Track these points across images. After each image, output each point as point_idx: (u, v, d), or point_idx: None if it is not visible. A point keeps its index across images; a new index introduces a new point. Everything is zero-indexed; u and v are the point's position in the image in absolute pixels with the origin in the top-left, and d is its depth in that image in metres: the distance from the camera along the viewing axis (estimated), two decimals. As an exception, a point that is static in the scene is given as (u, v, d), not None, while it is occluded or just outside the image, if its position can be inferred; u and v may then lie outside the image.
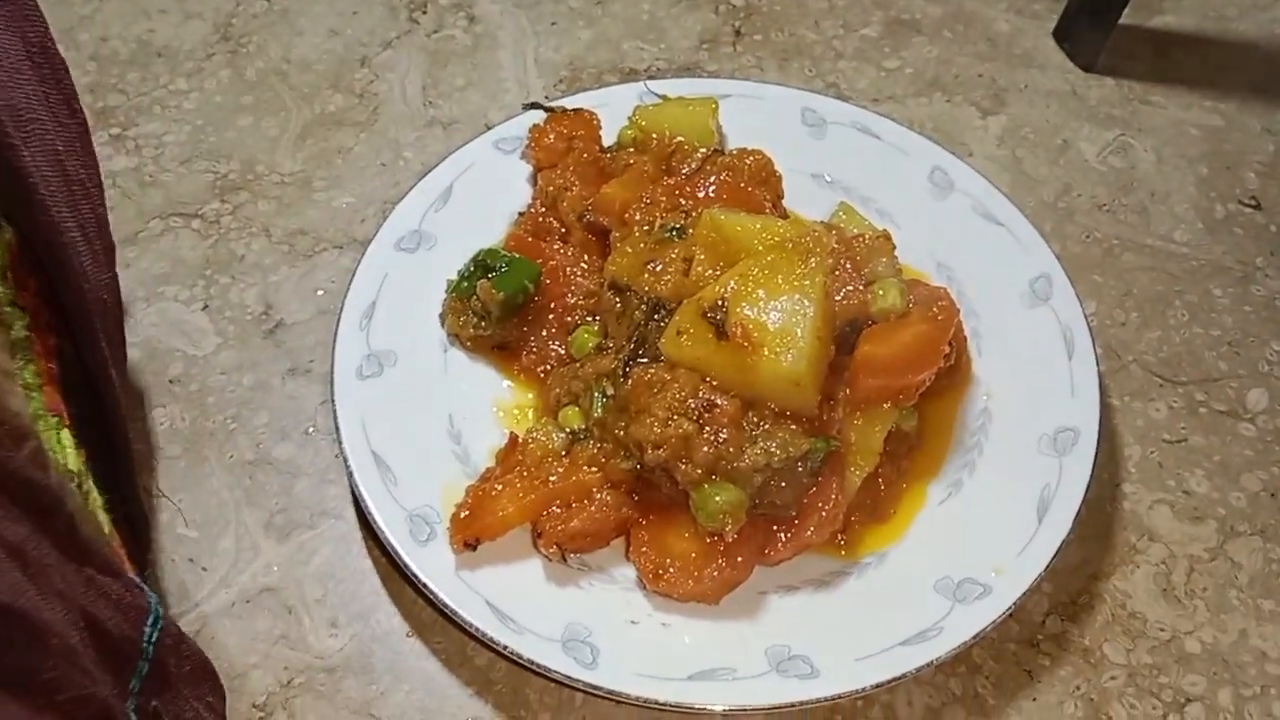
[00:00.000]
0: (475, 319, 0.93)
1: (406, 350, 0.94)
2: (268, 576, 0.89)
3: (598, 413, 0.84)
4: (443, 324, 0.96)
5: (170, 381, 1.00)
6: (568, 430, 0.85)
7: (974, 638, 0.80)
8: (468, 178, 1.05)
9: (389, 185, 1.13)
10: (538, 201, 1.00)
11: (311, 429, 0.97)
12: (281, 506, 0.93)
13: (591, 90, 1.12)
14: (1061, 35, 1.28)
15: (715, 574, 0.80)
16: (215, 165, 1.15)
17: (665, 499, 0.83)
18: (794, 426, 0.80)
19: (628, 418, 0.81)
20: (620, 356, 0.85)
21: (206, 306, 1.05)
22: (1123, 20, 1.23)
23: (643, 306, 0.86)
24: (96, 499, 0.71)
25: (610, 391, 0.84)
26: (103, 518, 0.71)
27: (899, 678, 0.79)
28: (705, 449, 0.78)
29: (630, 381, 0.82)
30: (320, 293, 1.05)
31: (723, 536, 0.80)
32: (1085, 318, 0.96)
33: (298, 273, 1.07)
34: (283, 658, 0.85)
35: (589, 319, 0.92)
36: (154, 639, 0.65)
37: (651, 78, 1.21)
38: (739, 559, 0.80)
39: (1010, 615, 0.84)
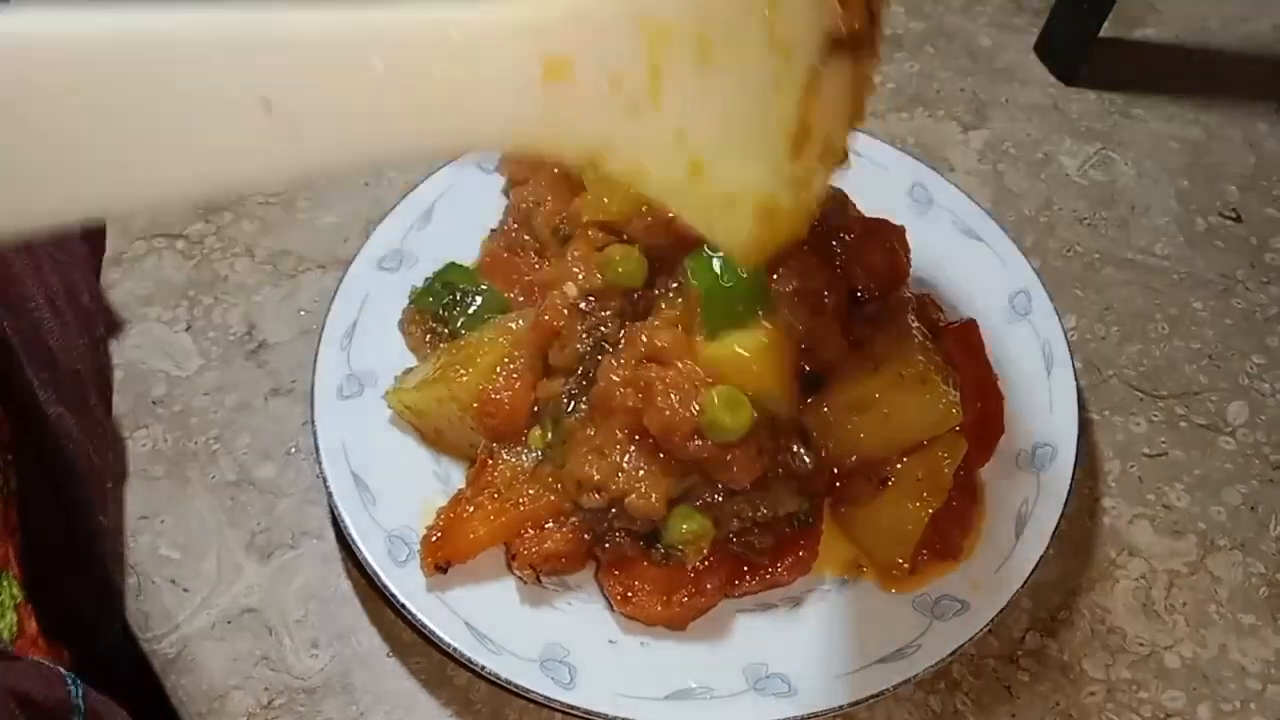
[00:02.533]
0: (429, 332, 0.94)
1: (387, 370, 0.94)
2: (249, 597, 0.89)
3: (546, 438, 0.84)
4: (402, 332, 0.96)
5: (153, 402, 1.00)
6: (535, 451, 0.85)
7: (952, 654, 0.80)
8: (448, 197, 1.05)
9: (372, 204, 1.13)
10: (510, 218, 1.00)
11: (294, 449, 0.97)
12: (264, 527, 0.93)
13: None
14: (1043, 49, 1.29)
15: (682, 600, 0.80)
16: (200, 186, 1.16)
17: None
18: (793, 486, 0.81)
19: (565, 456, 0.81)
20: (566, 386, 0.85)
21: (190, 327, 1.05)
22: (1104, 33, 1.24)
23: (585, 337, 0.85)
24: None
25: (557, 419, 0.84)
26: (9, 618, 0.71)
27: (877, 695, 0.79)
28: (642, 500, 0.79)
29: (572, 418, 0.82)
30: (303, 313, 1.06)
31: (685, 566, 0.80)
32: (1064, 332, 0.97)
33: (280, 293, 1.07)
34: (264, 679, 0.86)
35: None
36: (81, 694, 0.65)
37: (634, 95, 1.21)
38: (707, 587, 0.81)
39: (989, 631, 0.84)
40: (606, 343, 0.83)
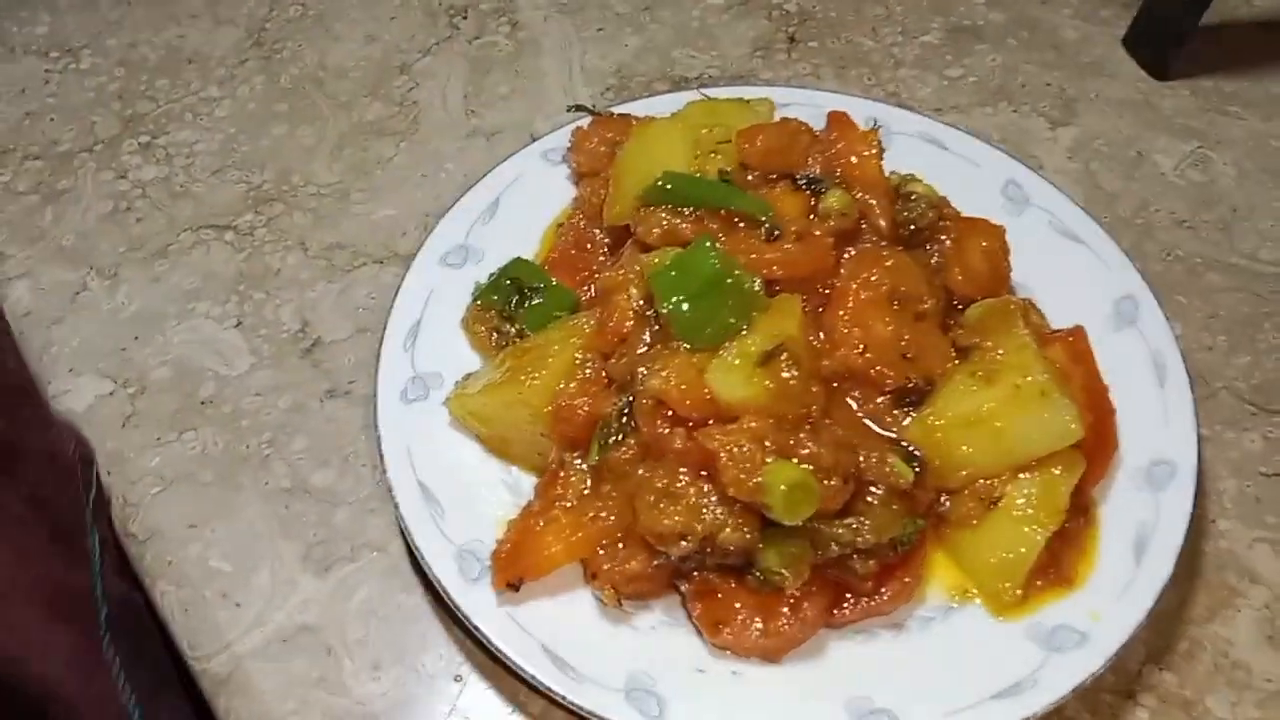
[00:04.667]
0: (495, 330, 0.87)
1: (453, 372, 0.88)
2: (305, 614, 0.83)
3: (594, 458, 0.78)
4: (465, 331, 0.90)
5: (202, 403, 0.94)
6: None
7: (1073, 690, 0.74)
8: (514, 189, 0.99)
9: (431, 197, 1.07)
10: (578, 211, 0.94)
11: (352, 455, 0.91)
12: (320, 538, 0.87)
13: (642, 99, 1.07)
14: (1132, 42, 1.22)
15: (781, 629, 0.74)
16: (248, 175, 1.10)
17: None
18: (895, 506, 0.75)
19: (634, 504, 0.75)
20: (616, 406, 0.78)
21: (240, 324, 0.99)
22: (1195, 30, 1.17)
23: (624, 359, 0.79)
24: None
25: (610, 434, 0.78)
26: None
27: (992, 734, 0.72)
28: (735, 532, 0.73)
29: (623, 452, 0.77)
30: (360, 310, 1.00)
31: (783, 592, 0.73)
32: (1176, 341, 0.90)
33: (336, 288, 1.02)
34: (321, 703, 0.80)
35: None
36: None
37: (704, 86, 1.15)
38: (806, 614, 0.74)
39: (1104, 664, 0.77)
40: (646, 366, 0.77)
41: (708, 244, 0.77)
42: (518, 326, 0.89)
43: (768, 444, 0.72)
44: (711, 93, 1.05)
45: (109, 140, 1.14)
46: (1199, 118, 1.17)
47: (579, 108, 1.02)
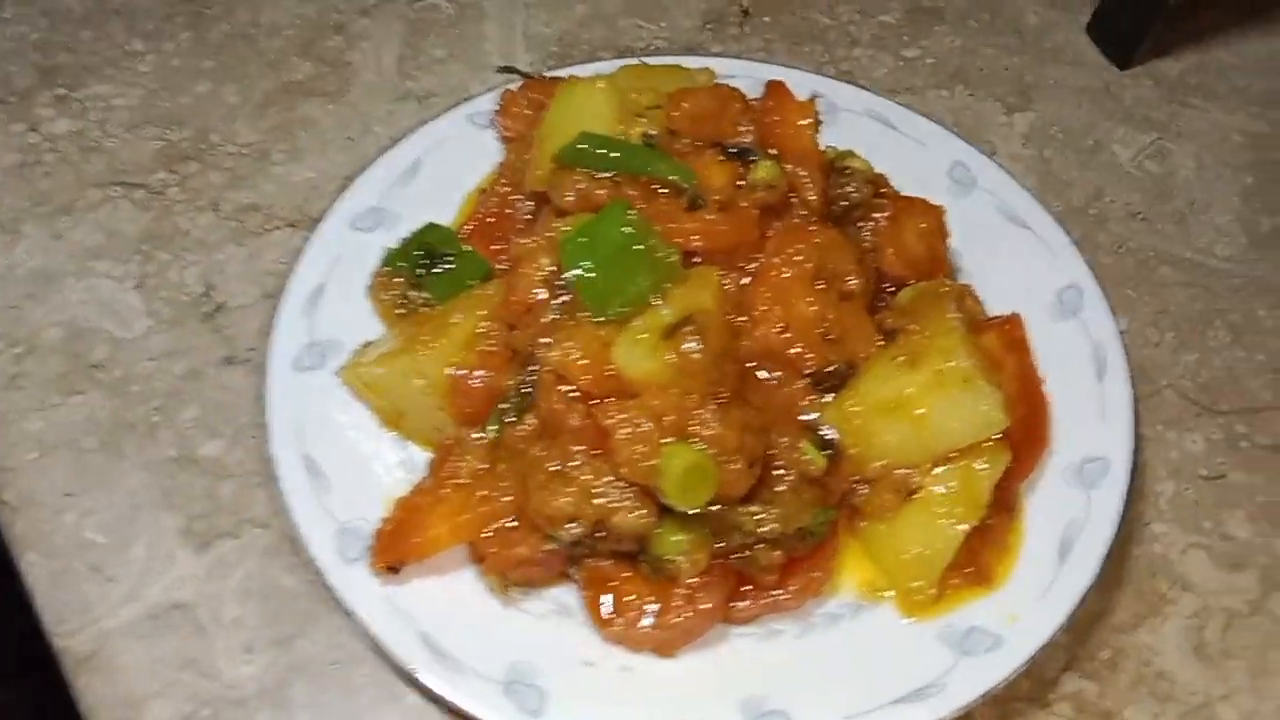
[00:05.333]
0: (401, 298, 0.83)
1: (355, 341, 0.83)
2: (180, 591, 0.79)
3: (494, 433, 0.73)
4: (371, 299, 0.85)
5: (92, 366, 0.89)
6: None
7: (980, 697, 0.69)
8: (437, 153, 0.94)
9: (355, 160, 1.02)
10: (502, 176, 0.89)
11: (245, 426, 0.86)
12: (203, 512, 0.82)
13: (578, 65, 1.02)
14: (1095, 30, 1.17)
15: (673, 621, 0.69)
16: (166, 132, 1.05)
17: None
18: (805, 494, 0.70)
19: (523, 486, 0.70)
20: (517, 380, 0.74)
21: (141, 285, 0.94)
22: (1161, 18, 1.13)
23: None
24: None
25: (508, 411, 0.73)
26: None
27: (892, 741, 0.68)
28: (629, 515, 0.68)
29: (522, 429, 0.72)
30: (268, 275, 0.95)
31: (677, 581, 0.69)
32: (1119, 335, 0.86)
33: (245, 251, 0.97)
34: (188, 686, 0.75)
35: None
36: None
37: (649, 56, 1.10)
38: (701, 606, 0.69)
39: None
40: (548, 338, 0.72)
41: (620, 209, 0.72)
42: (425, 295, 0.84)
43: (667, 423, 0.67)
44: (655, 62, 1.00)
45: (24, 92, 1.09)
46: (1160, 108, 1.12)
47: (508, 69, 0.97)
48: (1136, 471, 0.86)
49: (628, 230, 0.72)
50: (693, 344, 0.68)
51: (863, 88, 1.03)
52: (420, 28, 1.15)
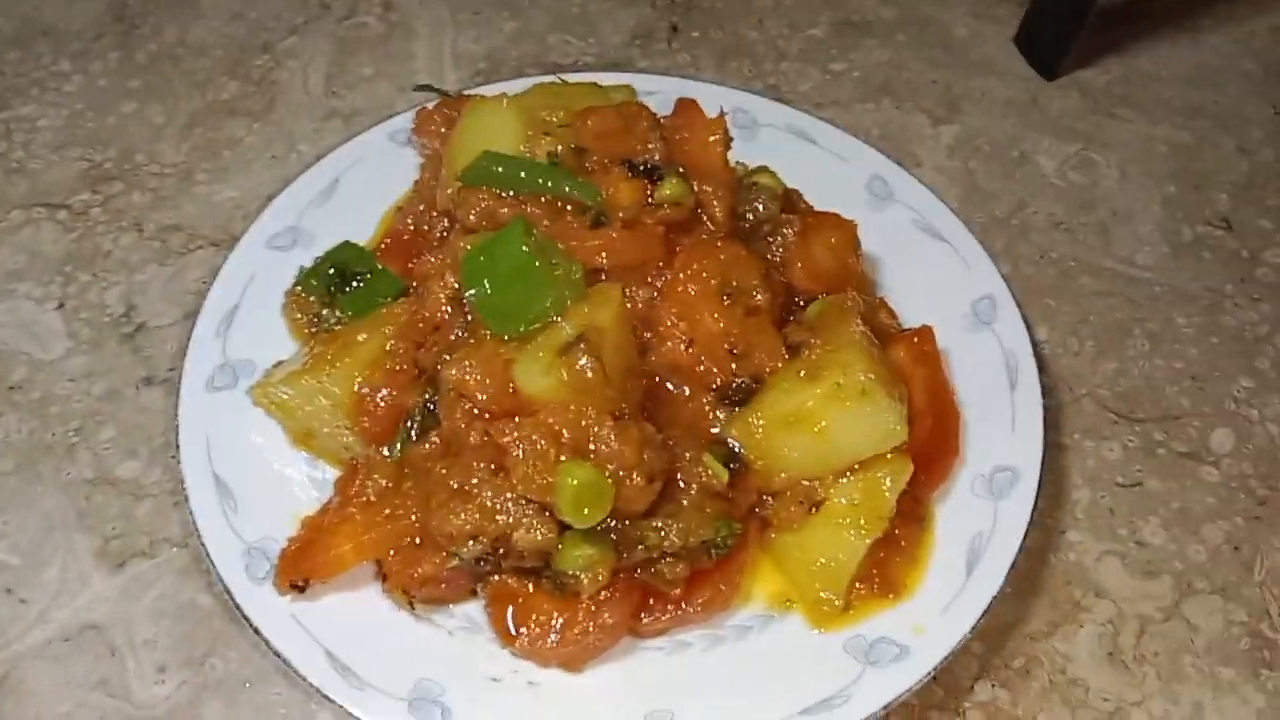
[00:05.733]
0: (314, 317, 0.83)
1: (268, 360, 0.83)
2: (93, 612, 0.78)
3: (397, 451, 0.73)
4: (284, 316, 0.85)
5: (10, 388, 0.89)
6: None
7: (884, 708, 0.70)
8: (356, 171, 0.94)
9: (278, 179, 1.02)
10: (417, 195, 0.89)
11: (163, 446, 0.86)
12: (119, 532, 0.82)
13: (500, 83, 1.02)
14: (1023, 41, 1.19)
15: (578, 637, 0.69)
16: (90, 153, 1.05)
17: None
18: (708, 508, 0.70)
19: (426, 504, 0.70)
20: (422, 398, 0.74)
21: (62, 306, 0.94)
22: (1089, 28, 1.14)
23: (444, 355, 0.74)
24: None
25: (411, 429, 0.74)
26: None
27: (795, 753, 0.68)
28: (529, 532, 0.68)
29: (426, 447, 0.72)
30: (190, 294, 0.95)
31: (580, 596, 0.69)
32: (1033, 344, 0.86)
33: (167, 272, 0.97)
34: (100, 707, 0.74)
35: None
36: None
37: (575, 72, 1.10)
38: (606, 621, 0.69)
39: (933, 679, 0.73)
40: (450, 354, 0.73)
41: (518, 227, 0.73)
42: (339, 314, 0.84)
43: (565, 440, 0.67)
44: (575, 79, 1.00)
45: (-50, 114, 1.08)
46: (1086, 119, 1.14)
47: (425, 87, 0.98)
48: (1053, 480, 0.87)
49: (525, 249, 0.72)
50: (586, 361, 0.68)
51: (785, 102, 1.04)
52: (349, 46, 1.15)
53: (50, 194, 1.02)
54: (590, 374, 0.67)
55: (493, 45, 1.16)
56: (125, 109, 1.09)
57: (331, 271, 0.85)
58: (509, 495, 0.68)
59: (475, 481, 0.69)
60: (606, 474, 0.67)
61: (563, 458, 0.67)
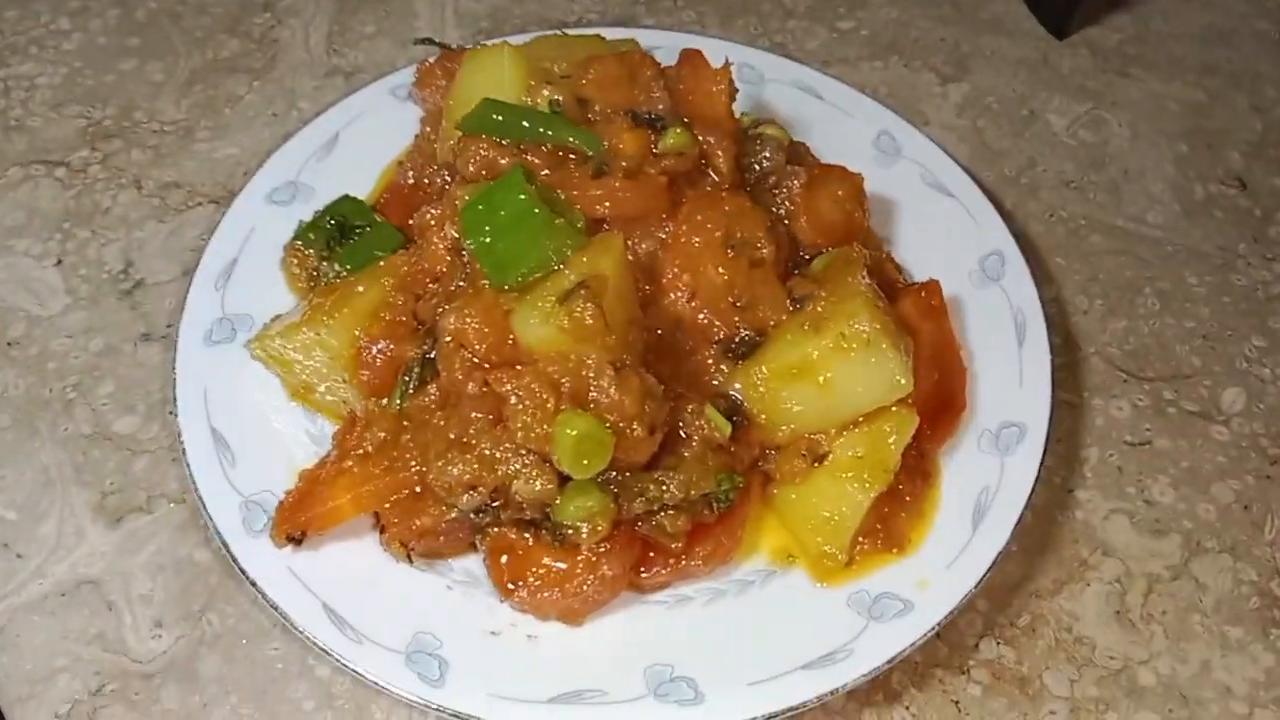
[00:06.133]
0: (313, 270, 0.82)
1: (266, 315, 0.82)
2: (90, 566, 0.78)
3: (397, 403, 0.72)
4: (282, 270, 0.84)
5: (9, 344, 0.88)
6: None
7: (888, 662, 0.69)
8: (357, 126, 0.93)
9: (279, 137, 1.00)
10: (417, 149, 0.88)
11: (161, 401, 0.85)
12: (116, 487, 0.81)
13: (502, 38, 1.00)
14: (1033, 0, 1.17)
15: (578, 589, 0.68)
16: (90, 110, 1.04)
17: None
18: (709, 461, 0.69)
19: (425, 456, 0.69)
20: (421, 350, 0.73)
21: (60, 262, 0.93)
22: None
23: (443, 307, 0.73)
24: None
25: (410, 381, 0.73)
26: None
27: (795, 707, 0.67)
28: (529, 482, 0.67)
29: (425, 399, 0.71)
30: (189, 251, 0.94)
31: (579, 548, 0.68)
32: (1041, 301, 0.85)
33: (166, 229, 0.96)
34: (96, 660, 0.74)
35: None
36: None
37: (580, 29, 1.09)
38: (605, 574, 0.68)
39: (936, 636, 0.72)
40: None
41: (516, 176, 0.72)
42: (337, 268, 0.83)
43: (564, 389, 0.66)
44: (577, 34, 0.99)
45: (-52, 72, 1.07)
46: (1097, 78, 1.12)
47: (426, 41, 0.96)
48: (1062, 438, 0.86)
49: (524, 197, 0.71)
50: (586, 307, 0.67)
51: (793, 59, 1.02)
52: (350, 3, 1.14)
53: (49, 151, 1.01)
54: (590, 320, 0.66)
55: (495, 3, 1.14)
56: (124, 66, 1.08)
57: (330, 225, 0.84)
58: (508, 445, 0.67)
59: (473, 431, 0.68)
60: (607, 424, 0.66)
61: (563, 408, 0.66)
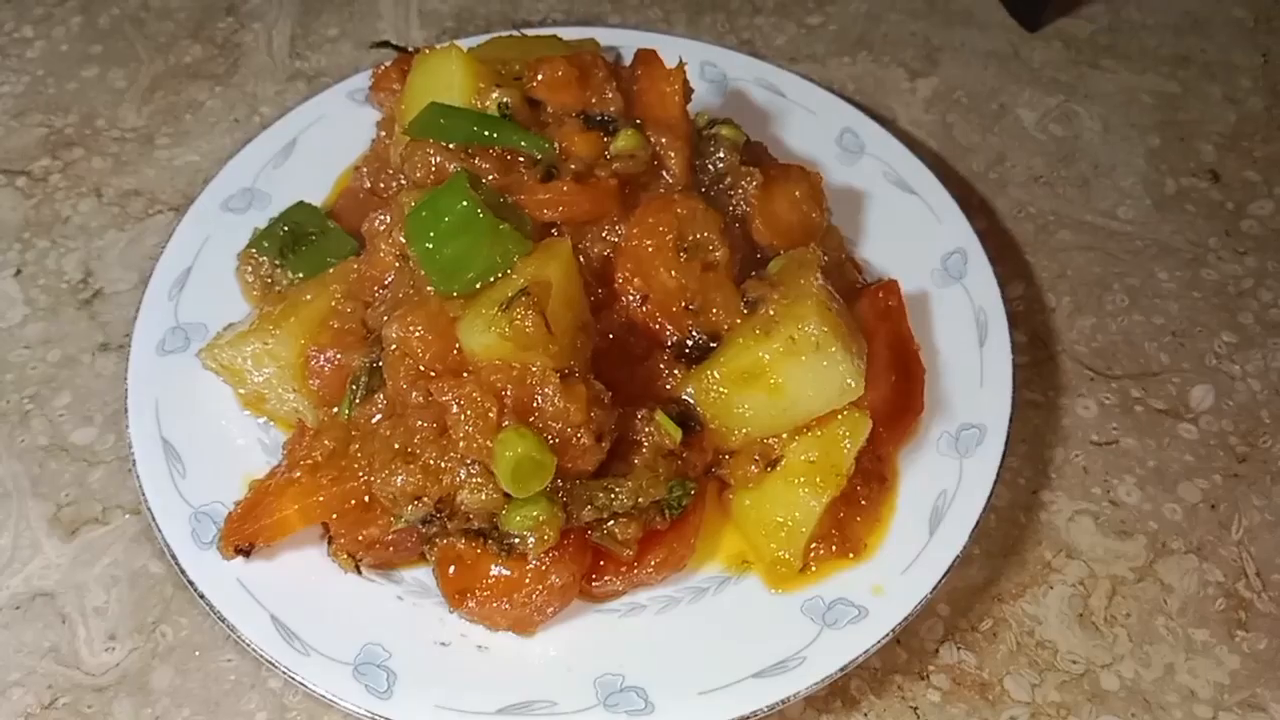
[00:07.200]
0: (266, 278, 0.81)
1: (220, 323, 0.81)
2: (45, 579, 0.77)
3: (345, 413, 0.72)
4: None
5: (-34, 356, 0.88)
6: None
7: (840, 670, 0.68)
8: (314, 132, 0.93)
9: (240, 143, 0.99)
10: (374, 153, 0.87)
11: (118, 412, 0.85)
12: (72, 499, 0.81)
13: (461, 40, 1.00)
14: (1006, -8, 1.16)
15: (527, 599, 0.68)
16: (51, 119, 1.03)
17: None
18: (660, 467, 0.69)
19: (368, 466, 0.69)
20: (368, 358, 0.73)
21: (19, 272, 0.93)
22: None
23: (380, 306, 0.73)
24: None
25: (357, 391, 0.72)
26: None
27: (746, 717, 0.66)
28: (474, 492, 0.66)
29: (373, 409, 0.70)
30: (148, 259, 0.93)
31: (527, 558, 0.67)
32: (1007, 299, 0.84)
33: (126, 237, 0.95)
34: (49, 674, 0.73)
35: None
36: None
37: (546, 29, 1.08)
38: (554, 583, 0.68)
39: (895, 641, 0.72)
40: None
41: (459, 182, 0.71)
42: (291, 275, 0.82)
43: (507, 398, 0.66)
44: (535, 34, 0.98)
45: (-89, 81, 1.07)
46: (1068, 70, 1.11)
47: (384, 44, 0.96)
48: (1027, 439, 0.85)
49: (466, 203, 0.70)
50: (527, 315, 0.66)
51: (759, 58, 1.01)
52: (313, 6, 1.13)
53: (10, 160, 1.00)
54: (531, 328, 0.65)
55: (460, 3, 1.13)
56: (86, 74, 1.07)
57: (284, 232, 0.83)
58: (453, 455, 0.66)
59: (418, 441, 0.67)
60: (549, 439, 0.65)
61: (505, 423, 0.65)
